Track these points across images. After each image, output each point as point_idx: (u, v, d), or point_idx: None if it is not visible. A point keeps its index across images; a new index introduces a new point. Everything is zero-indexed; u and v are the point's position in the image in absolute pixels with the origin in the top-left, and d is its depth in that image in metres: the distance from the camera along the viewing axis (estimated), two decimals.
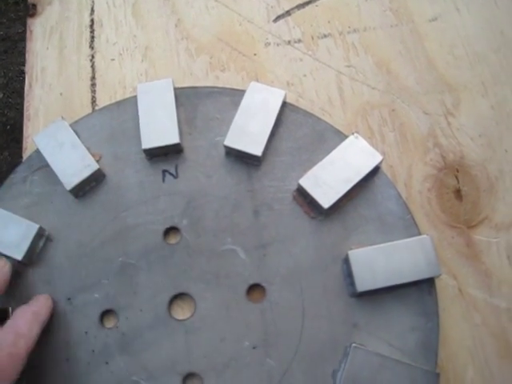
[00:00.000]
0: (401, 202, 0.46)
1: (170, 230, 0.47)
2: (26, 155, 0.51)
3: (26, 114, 0.54)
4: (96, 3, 0.58)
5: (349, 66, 0.53)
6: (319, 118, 0.49)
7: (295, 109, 0.50)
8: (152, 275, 0.46)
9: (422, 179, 0.49)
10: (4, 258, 0.45)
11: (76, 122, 0.51)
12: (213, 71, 0.54)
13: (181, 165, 0.49)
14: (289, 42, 0.55)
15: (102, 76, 0.55)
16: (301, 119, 0.49)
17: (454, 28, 0.54)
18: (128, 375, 0.43)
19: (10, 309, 0.44)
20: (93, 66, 0.55)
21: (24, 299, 0.44)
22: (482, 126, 0.50)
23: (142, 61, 0.55)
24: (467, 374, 0.43)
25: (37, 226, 0.46)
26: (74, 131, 0.49)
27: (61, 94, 0.54)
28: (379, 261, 0.43)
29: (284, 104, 0.49)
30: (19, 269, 0.46)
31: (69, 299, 0.46)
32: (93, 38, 0.57)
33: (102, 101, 0.53)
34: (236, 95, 0.50)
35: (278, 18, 0.56)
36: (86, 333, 0.45)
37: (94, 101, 0.54)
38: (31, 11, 0.58)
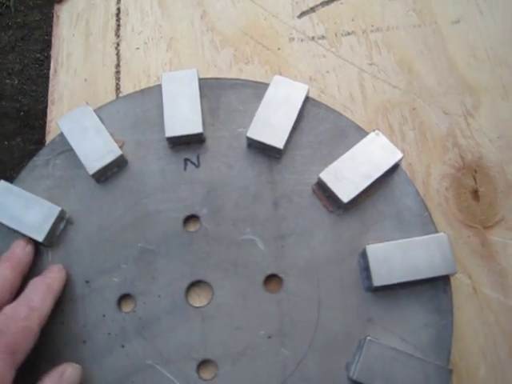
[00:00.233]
0: (419, 199, 0.47)
1: (190, 218, 0.48)
2: (48, 139, 0.52)
3: (50, 98, 0.55)
4: None
5: (371, 64, 0.54)
6: (340, 114, 0.50)
7: (317, 104, 0.50)
8: (170, 262, 0.46)
9: (440, 178, 0.49)
10: (26, 238, 0.45)
11: (100, 107, 0.51)
12: (237, 64, 0.55)
13: (202, 154, 0.49)
14: (312, 38, 0.55)
15: (127, 64, 0.56)
16: (322, 114, 0.50)
17: (477, 30, 0.55)
18: (143, 359, 0.44)
19: None
20: (118, 54, 0.56)
21: None
22: (501, 127, 0.51)
23: (167, 50, 0.56)
24: (479, 372, 0.44)
25: (58, 209, 0.46)
26: (98, 117, 0.49)
27: (85, 79, 0.55)
28: (396, 256, 0.43)
29: (306, 99, 0.50)
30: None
31: (87, 282, 0.46)
32: (119, 26, 0.57)
33: (126, 88, 0.54)
34: (259, 88, 0.50)
35: (303, 14, 0.57)
36: (104, 316, 0.45)
37: (118, 88, 0.54)
38: None
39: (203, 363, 0.44)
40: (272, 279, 0.46)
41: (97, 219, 0.48)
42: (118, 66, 0.55)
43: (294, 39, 0.56)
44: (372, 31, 0.55)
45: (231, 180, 0.48)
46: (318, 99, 0.51)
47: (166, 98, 0.49)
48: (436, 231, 0.45)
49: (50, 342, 0.45)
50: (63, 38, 0.57)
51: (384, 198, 0.47)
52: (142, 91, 0.52)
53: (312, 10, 0.57)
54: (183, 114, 0.49)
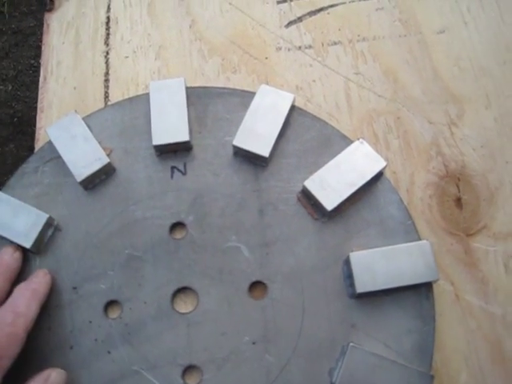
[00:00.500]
0: (402, 207, 0.47)
1: (176, 226, 0.48)
2: (37, 146, 0.53)
3: (39, 105, 0.55)
4: (112, 1, 0.60)
5: (357, 74, 0.55)
6: (326, 123, 0.51)
7: (303, 112, 0.51)
8: (157, 268, 0.47)
9: (423, 186, 0.50)
10: (14, 245, 0.46)
11: (88, 115, 0.52)
12: (224, 73, 0.55)
13: (189, 162, 0.50)
14: (299, 48, 0.56)
15: (116, 72, 0.56)
16: (308, 123, 0.51)
17: (461, 41, 0.56)
18: (129, 365, 0.44)
19: None
20: (107, 63, 0.57)
21: None
22: (485, 137, 0.51)
23: (156, 59, 0.56)
24: (461, 378, 0.45)
25: (46, 216, 0.47)
26: (87, 125, 0.50)
27: (74, 88, 0.56)
28: (379, 263, 0.44)
29: (292, 107, 0.50)
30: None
31: (74, 288, 0.47)
32: (108, 35, 0.58)
33: (115, 96, 0.55)
34: (246, 97, 0.51)
35: (290, 23, 0.57)
36: (90, 322, 0.46)
37: (106, 96, 0.55)
38: (49, 6, 0.59)
39: (188, 369, 0.44)
40: (257, 286, 0.46)
41: (84, 226, 0.48)
42: (107, 74, 0.56)
43: (281, 48, 0.56)
44: (358, 41, 0.56)
45: (217, 188, 0.49)
46: (305, 108, 0.52)
47: (154, 106, 0.50)
48: (419, 239, 0.46)
49: (36, 348, 0.45)
50: (53, 46, 0.58)
51: (368, 206, 0.48)
52: (130, 99, 0.53)
53: (299, 19, 0.57)
54: (170, 123, 0.49)
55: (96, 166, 0.48)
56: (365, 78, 0.54)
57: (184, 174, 0.49)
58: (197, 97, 0.52)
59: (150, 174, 0.50)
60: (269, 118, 0.49)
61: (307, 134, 0.50)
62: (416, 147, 0.51)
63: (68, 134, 0.49)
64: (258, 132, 0.48)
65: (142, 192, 0.49)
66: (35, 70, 1.42)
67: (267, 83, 0.53)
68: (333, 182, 0.46)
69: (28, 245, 0.46)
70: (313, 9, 0.58)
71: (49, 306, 0.46)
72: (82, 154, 0.48)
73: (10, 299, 0.42)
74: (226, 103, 0.52)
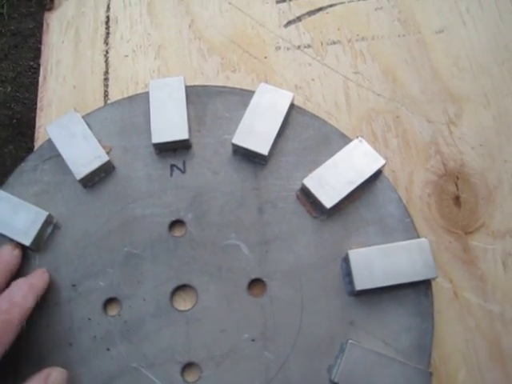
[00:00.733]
0: (401, 205, 0.47)
1: (176, 223, 0.48)
2: (37, 145, 0.53)
3: (39, 104, 0.55)
4: (112, 1, 0.60)
5: (356, 73, 0.55)
6: (325, 121, 0.51)
7: (302, 111, 0.51)
8: (156, 266, 0.47)
9: (422, 185, 0.50)
10: (14, 243, 0.46)
11: (88, 114, 0.52)
12: (223, 71, 0.56)
13: (189, 160, 0.50)
14: (298, 47, 0.56)
15: (115, 71, 0.56)
16: (307, 121, 0.51)
17: (460, 40, 0.56)
18: (128, 362, 0.44)
19: None
20: (106, 62, 0.57)
21: None
22: (483, 136, 0.52)
23: (155, 58, 0.57)
24: (459, 376, 0.45)
25: (46, 213, 0.47)
26: (86, 123, 0.50)
27: (74, 86, 0.56)
28: (378, 261, 0.44)
29: (292, 106, 0.50)
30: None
31: (74, 286, 0.47)
32: (108, 34, 0.58)
33: (114, 95, 0.55)
34: (245, 95, 0.51)
35: (289, 23, 0.58)
36: (90, 319, 0.46)
37: (106, 95, 0.55)
38: (49, 5, 0.59)
39: (187, 366, 0.44)
40: (256, 283, 0.46)
41: (84, 224, 0.48)
42: (106, 73, 0.56)
43: (280, 48, 0.56)
44: (357, 40, 0.56)
45: (216, 186, 0.49)
46: (304, 107, 0.52)
47: (153, 104, 0.50)
48: (418, 237, 0.46)
49: (35, 345, 0.45)
50: (53, 45, 0.58)
51: (367, 204, 0.48)
52: (130, 98, 0.53)
53: (298, 19, 0.58)
54: (170, 121, 0.49)
55: (95, 164, 0.48)
56: (364, 77, 0.55)
57: (183, 172, 0.50)
58: (196, 95, 0.52)
59: (149, 172, 0.50)
60: (268, 117, 0.49)
61: (306, 133, 0.50)
62: (415, 146, 0.51)
63: (67, 132, 0.49)
64: (257, 130, 0.48)
65: (142, 190, 0.49)
66: (34, 71, 1.43)
67: (266, 82, 0.53)
68: (332, 180, 0.46)
69: (27, 242, 0.46)
70: (312, 8, 0.58)
71: (48, 304, 0.46)
72: (82, 152, 0.49)
73: (7, 291, 0.42)
74: (226, 102, 0.52)
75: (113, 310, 0.46)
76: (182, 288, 0.47)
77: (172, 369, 0.44)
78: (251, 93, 0.51)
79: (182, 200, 0.49)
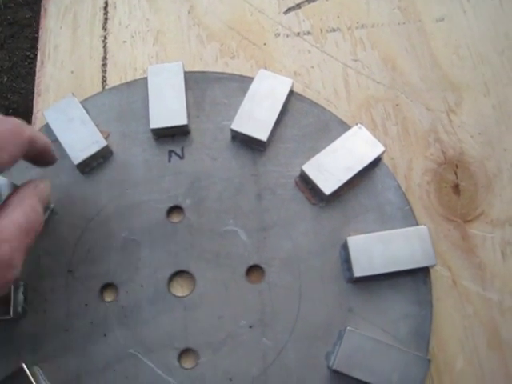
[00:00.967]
0: (400, 193, 0.47)
1: (174, 209, 0.48)
2: None
3: (36, 89, 0.55)
4: None
5: (355, 60, 0.55)
6: (324, 108, 0.51)
7: (301, 98, 0.51)
8: (154, 252, 0.47)
9: (421, 172, 0.50)
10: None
11: (86, 99, 0.51)
12: (222, 58, 0.55)
13: (187, 146, 0.50)
14: (298, 34, 0.56)
15: (114, 57, 0.56)
16: (306, 108, 0.50)
17: (460, 29, 0.55)
18: (125, 348, 0.44)
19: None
20: (105, 47, 0.56)
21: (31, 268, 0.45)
22: (483, 124, 0.51)
23: (154, 44, 0.56)
24: (457, 363, 0.45)
25: None
26: (84, 108, 0.49)
27: (72, 72, 0.55)
28: (377, 248, 0.44)
29: (291, 93, 0.50)
30: None
31: (70, 271, 0.46)
32: (106, 19, 0.58)
33: (113, 81, 0.55)
34: (244, 82, 0.51)
35: (289, 10, 0.57)
36: (86, 305, 0.45)
37: (104, 80, 0.55)
38: None
39: (184, 352, 0.44)
40: (254, 270, 0.46)
41: (81, 209, 0.48)
42: (104, 58, 0.56)
43: (279, 35, 0.56)
44: (357, 28, 0.56)
45: (215, 172, 0.49)
46: (303, 94, 0.52)
47: (152, 90, 0.50)
48: (417, 224, 0.46)
49: (32, 331, 0.45)
50: (50, 30, 0.58)
51: (366, 191, 0.48)
52: (128, 84, 0.52)
53: (298, 6, 0.57)
54: (168, 106, 0.49)
55: (93, 149, 0.48)
56: (363, 64, 0.54)
57: (181, 158, 0.49)
58: (195, 81, 0.52)
59: (147, 158, 0.49)
60: (267, 103, 0.49)
61: (305, 120, 0.50)
62: (414, 134, 0.51)
63: (65, 117, 0.49)
64: (256, 116, 0.48)
65: (140, 176, 0.49)
66: (31, 61, 1.42)
67: (266, 69, 0.53)
68: (331, 167, 0.46)
69: None
70: None
71: (44, 289, 0.46)
72: (79, 136, 0.48)
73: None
74: (225, 88, 0.51)
75: (110, 296, 0.46)
76: (179, 274, 0.47)
77: (169, 355, 0.44)
78: (250, 79, 0.50)
79: (180, 186, 0.48)
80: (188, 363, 0.44)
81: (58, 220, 0.48)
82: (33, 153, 0.40)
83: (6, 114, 1.35)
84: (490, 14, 0.56)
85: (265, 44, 0.56)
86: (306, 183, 0.47)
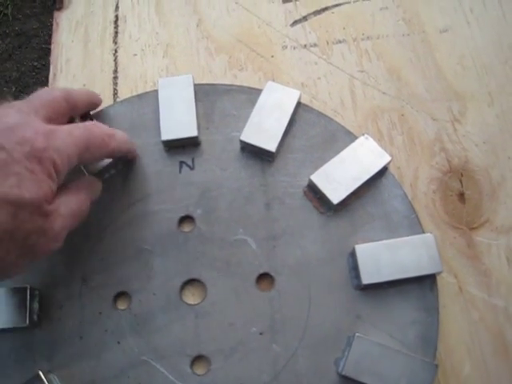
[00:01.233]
0: (406, 201, 0.48)
1: (185, 219, 0.49)
2: None
3: None
4: (121, 0, 0.61)
5: (361, 71, 0.56)
6: (331, 119, 0.52)
7: (309, 109, 0.52)
8: (166, 261, 0.48)
9: (427, 181, 0.51)
10: None
11: (98, 112, 0.53)
12: (231, 70, 0.56)
13: (197, 157, 0.51)
14: (305, 46, 0.57)
15: (124, 70, 0.57)
16: (314, 119, 0.51)
17: (464, 40, 0.57)
18: (138, 355, 0.45)
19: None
20: (115, 60, 0.58)
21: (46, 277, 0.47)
22: (487, 133, 0.52)
23: (163, 57, 0.57)
24: (464, 369, 0.45)
25: None
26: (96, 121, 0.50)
27: (84, 85, 0.57)
28: (384, 256, 0.45)
29: (298, 104, 0.51)
30: None
31: (84, 280, 0.47)
32: (116, 33, 0.59)
33: (124, 94, 0.56)
34: (253, 93, 0.52)
35: (296, 22, 0.58)
36: (100, 313, 0.46)
37: (115, 93, 0.56)
38: (58, 5, 0.60)
39: (197, 359, 0.45)
40: (264, 278, 0.47)
41: (94, 219, 0.49)
42: (115, 71, 0.57)
43: (286, 47, 0.57)
44: (363, 39, 0.57)
45: (225, 182, 0.50)
46: (310, 105, 0.53)
47: (162, 102, 0.51)
48: (423, 232, 0.47)
49: (47, 338, 0.46)
50: (62, 44, 0.59)
51: (373, 200, 0.48)
52: (139, 96, 0.53)
53: (304, 18, 0.58)
54: (179, 118, 0.50)
55: (106, 161, 0.49)
56: (369, 75, 0.55)
57: (192, 168, 0.50)
58: (204, 93, 0.53)
59: (158, 169, 0.50)
60: (275, 114, 0.50)
61: (313, 130, 0.51)
62: (420, 143, 0.52)
63: None
64: (264, 127, 0.49)
65: (151, 186, 0.50)
66: (38, 71, 1.43)
67: (273, 80, 0.54)
68: (338, 177, 0.47)
69: None
70: (318, 8, 0.59)
71: (59, 298, 0.47)
72: None
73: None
74: (233, 100, 0.53)
75: (123, 304, 0.47)
76: (191, 282, 0.48)
77: (181, 361, 0.45)
78: (259, 91, 0.51)
79: (190, 196, 0.49)
80: (200, 370, 0.45)
81: (72, 230, 0.49)
82: (116, 156, 0.48)
83: None
84: (494, 25, 0.57)
85: (272, 56, 0.57)
86: (314, 193, 0.48)
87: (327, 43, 0.57)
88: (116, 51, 0.58)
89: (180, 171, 0.50)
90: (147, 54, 0.58)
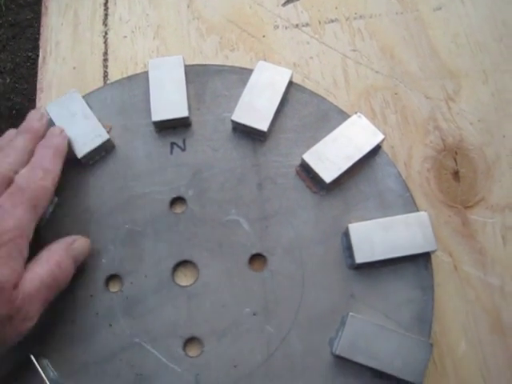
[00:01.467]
0: (400, 180, 0.48)
1: (176, 200, 0.49)
2: None
3: (38, 86, 0.55)
4: None
5: (354, 51, 0.55)
6: (324, 98, 0.51)
7: (301, 88, 0.51)
8: (157, 243, 0.47)
9: (421, 160, 0.50)
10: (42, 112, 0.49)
11: (88, 94, 0.52)
12: (222, 51, 0.56)
13: (188, 138, 0.50)
14: (297, 26, 0.57)
15: (115, 52, 0.56)
16: (306, 98, 0.51)
17: (458, 17, 0.56)
18: (131, 337, 0.45)
19: None
20: (105, 43, 0.57)
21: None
22: (482, 111, 0.52)
23: (154, 38, 0.57)
24: (459, 347, 0.45)
25: None
26: (86, 103, 0.50)
27: (74, 67, 0.56)
28: (378, 234, 0.44)
29: (290, 83, 0.51)
30: None
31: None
32: (106, 15, 0.58)
33: (114, 76, 0.55)
34: (244, 73, 0.51)
35: (287, 2, 0.58)
36: (92, 296, 0.46)
37: (105, 75, 0.55)
38: None
39: (189, 340, 0.45)
40: (256, 258, 0.47)
41: (85, 202, 0.49)
42: (105, 54, 0.56)
43: (278, 27, 0.57)
44: (355, 18, 0.57)
45: (216, 163, 0.49)
46: (302, 84, 0.52)
47: (153, 83, 0.50)
48: (417, 211, 0.46)
49: (39, 322, 0.45)
50: (52, 27, 0.58)
51: (366, 179, 0.48)
52: (129, 78, 0.53)
53: None
54: (169, 99, 0.49)
55: (96, 143, 0.48)
56: (362, 54, 0.55)
57: (183, 149, 0.50)
58: (195, 74, 0.52)
59: (149, 150, 0.50)
60: (267, 94, 0.49)
61: (305, 110, 0.51)
62: (413, 122, 0.52)
63: (68, 112, 0.49)
64: (256, 107, 0.49)
65: (142, 168, 0.49)
66: (33, 62, 1.43)
67: (265, 60, 0.53)
68: (331, 156, 0.47)
69: None
70: None
71: None
72: (82, 130, 0.49)
73: (36, 158, 0.45)
74: (225, 80, 0.52)
75: (115, 287, 0.47)
76: (183, 264, 0.47)
77: (174, 343, 0.44)
78: (250, 71, 0.51)
79: (182, 177, 0.49)
80: (193, 351, 0.45)
81: (62, 213, 0.48)
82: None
83: (10, 114, 1.36)
84: (488, 2, 0.56)
85: (264, 36, 0.56)
86: (306, 172, 0.48)
87: (319, 23, 0.57)
88: (106, 33, 0.57)
89: (171, 152, 0.50)
90: (137, 36, 0.57)
